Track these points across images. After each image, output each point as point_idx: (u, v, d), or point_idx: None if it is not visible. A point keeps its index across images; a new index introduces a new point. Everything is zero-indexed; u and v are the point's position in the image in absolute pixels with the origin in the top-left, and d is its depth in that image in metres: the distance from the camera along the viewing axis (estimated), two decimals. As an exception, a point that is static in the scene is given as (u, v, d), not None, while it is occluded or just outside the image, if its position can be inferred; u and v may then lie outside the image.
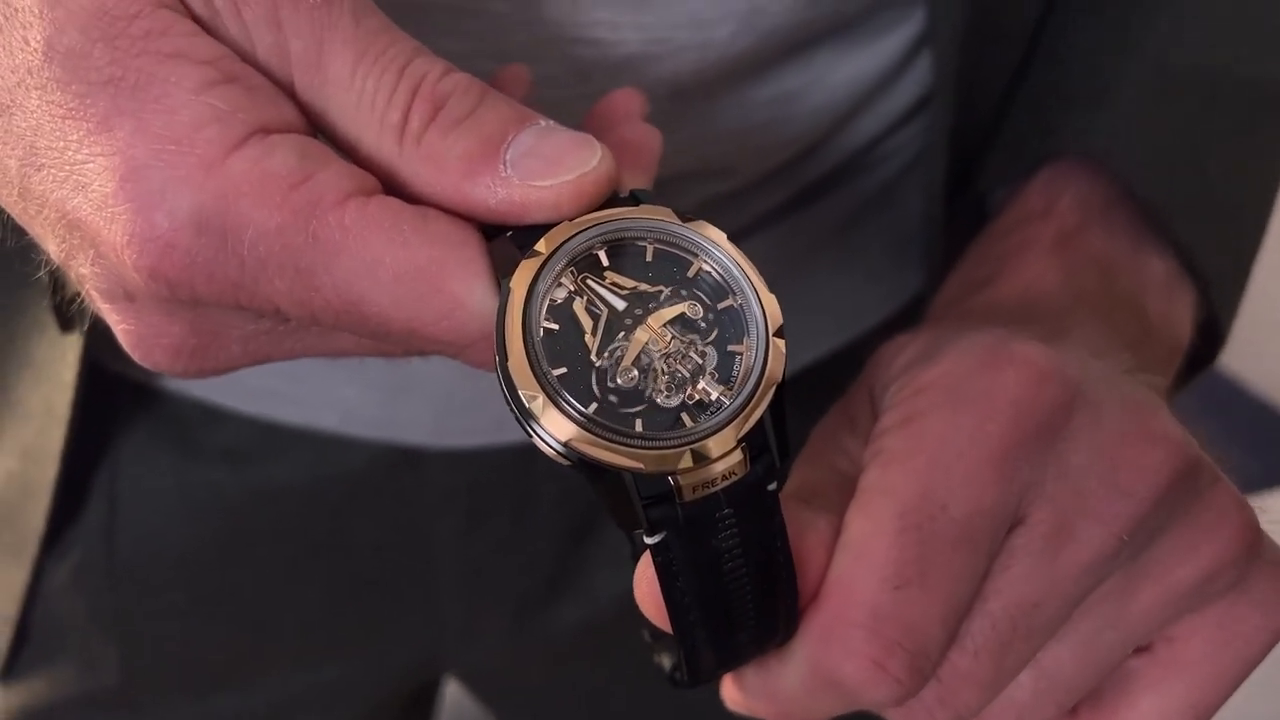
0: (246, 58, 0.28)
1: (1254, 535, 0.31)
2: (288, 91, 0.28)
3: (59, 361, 0.49)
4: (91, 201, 0.27)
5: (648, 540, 0.28)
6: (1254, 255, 0.45)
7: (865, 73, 0.47)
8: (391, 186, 0.28)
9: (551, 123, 0.29)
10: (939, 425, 0.30)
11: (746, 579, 0.29)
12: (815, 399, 0.36)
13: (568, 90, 0.40)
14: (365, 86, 0.28)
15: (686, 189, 0.46)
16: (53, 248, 0.29)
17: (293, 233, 0.26)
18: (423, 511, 0.55)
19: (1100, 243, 0.40)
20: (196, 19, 0.28)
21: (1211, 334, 0.43)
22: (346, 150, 0.29)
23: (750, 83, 0.44)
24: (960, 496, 0.29)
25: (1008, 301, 0.38)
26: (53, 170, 0.27)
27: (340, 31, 0.28)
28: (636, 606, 0.30)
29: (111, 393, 0.52)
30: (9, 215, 0.31)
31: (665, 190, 0.44)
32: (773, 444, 0.28)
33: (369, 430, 0.52)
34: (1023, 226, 0.41)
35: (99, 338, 0.47)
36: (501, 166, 0.28)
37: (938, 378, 0.31)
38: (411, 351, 0.31)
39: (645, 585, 0.30)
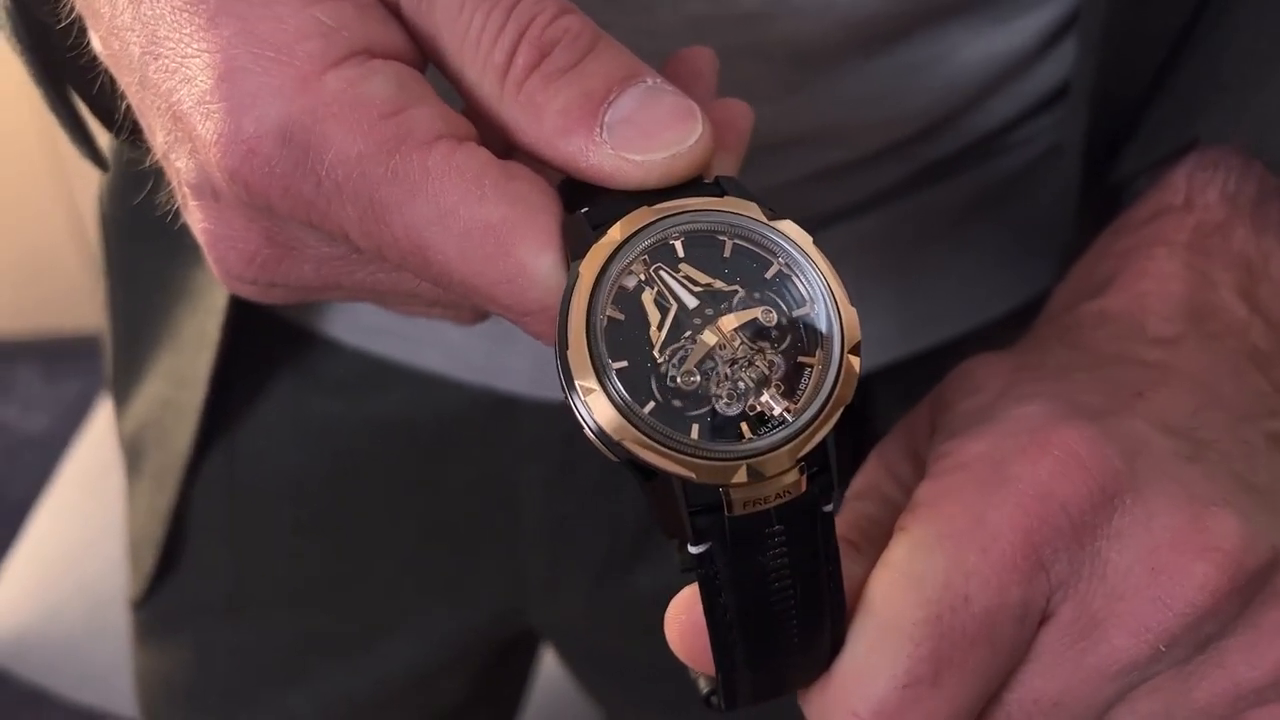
0: None
1: None
2: (396, 13, 0.28)
3: (212, 287, 0.51)
4: (193, 95, 0.27)
5: (691, 549, 0.27)
6: None
7: (1001, 52, 0.44)
8: (487, 124, 0.28)
9: (658, 81, 0.28)
10: (970, 512, 0.29)
11: (792, 601, 0.28)
12: (928, 387, 0.35)
13: (679, 44, 0.39)
14: (473, 22, 0.27)
15: (801, 155, 0.45)
16: (159, 138, 0.30)
17: (373, 163, 0.26)
18: (514, 459, 0.55)
19: (1244, 242, 0.37)
20: None
21: None
22: (451, 80, 0.28)
23: (875, 51, 0.43)
24: (984, 590, 0.28)
25: (1117, 313, 0.35)
26: (166, 60, 0.27)
27: None
28: None
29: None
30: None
31: (779, 156, 0.43)
32: (833, 466, 0.27)
33: (470, 374, 0.53)
34: (1158, 219, 0.38)
35: None
36: (598, 130, 0.27)
37: (979, 456, 0.30)
38: (473, 306, 0.31)
39: (678, 615, 0.29)
